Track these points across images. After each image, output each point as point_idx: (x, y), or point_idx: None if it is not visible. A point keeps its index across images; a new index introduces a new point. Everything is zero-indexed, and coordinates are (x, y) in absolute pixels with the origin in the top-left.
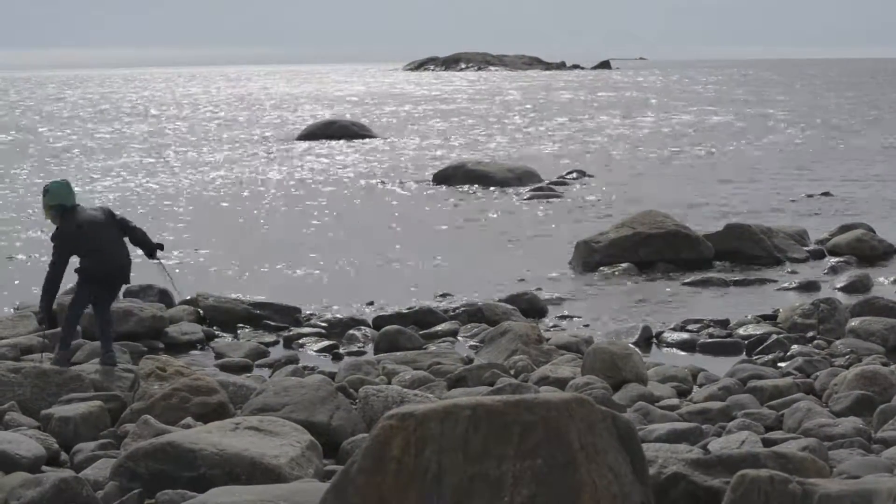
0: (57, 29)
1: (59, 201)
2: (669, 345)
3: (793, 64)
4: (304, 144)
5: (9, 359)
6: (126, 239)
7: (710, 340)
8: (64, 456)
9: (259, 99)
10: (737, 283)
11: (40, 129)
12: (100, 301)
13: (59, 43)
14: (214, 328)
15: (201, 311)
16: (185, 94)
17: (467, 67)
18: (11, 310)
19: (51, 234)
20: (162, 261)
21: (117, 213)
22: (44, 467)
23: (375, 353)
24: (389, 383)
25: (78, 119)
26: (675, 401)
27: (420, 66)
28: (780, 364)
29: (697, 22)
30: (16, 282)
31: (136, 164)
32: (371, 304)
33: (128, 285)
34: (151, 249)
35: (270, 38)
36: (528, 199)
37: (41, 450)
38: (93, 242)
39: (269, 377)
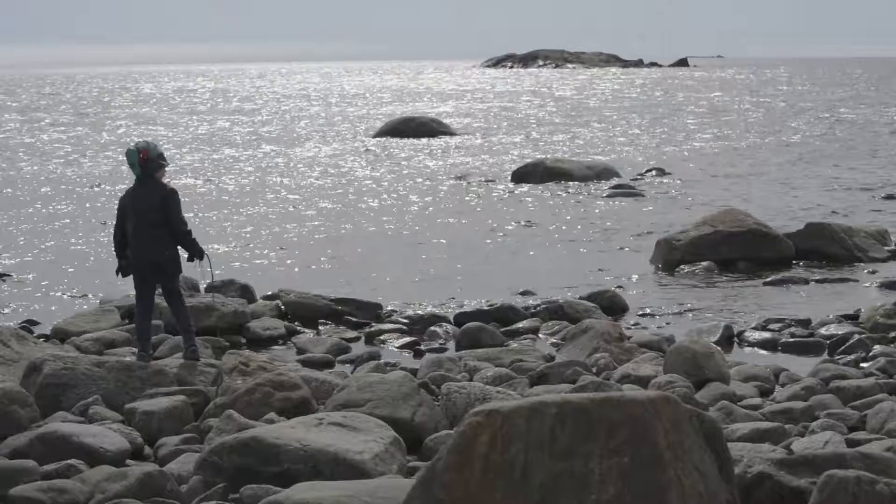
0: (117, 25)
1: (129, 161)
2: (751, 344)
3: (877, 62)
4: (383, 141)
5: (92, 353)
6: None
7: (791, 340)
8: (148, 450)
9: (341, 94)
10: (818, 283)
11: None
12: (151, 294)
13: (118, 39)
14: (296, 324)
15: (283, 307)
16: (283, 92)
17: (545, 65)
18: (92, 302)
19: None
20: (204, 266)
21: (173, 205)
22: (128, 461)
23: (457, 350)
24: (471, 380)
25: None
26: (758, 400)
27: (498, 63)
28: (862, 364)
29: (759, 20)
30: (97, 278)
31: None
32: (452, 300)
33: (170, 279)
34: (191, 254)
35: (341, 34)
36: (608, 196)
37: (125, 444)
38: (130, 224)
39: (351, 373)
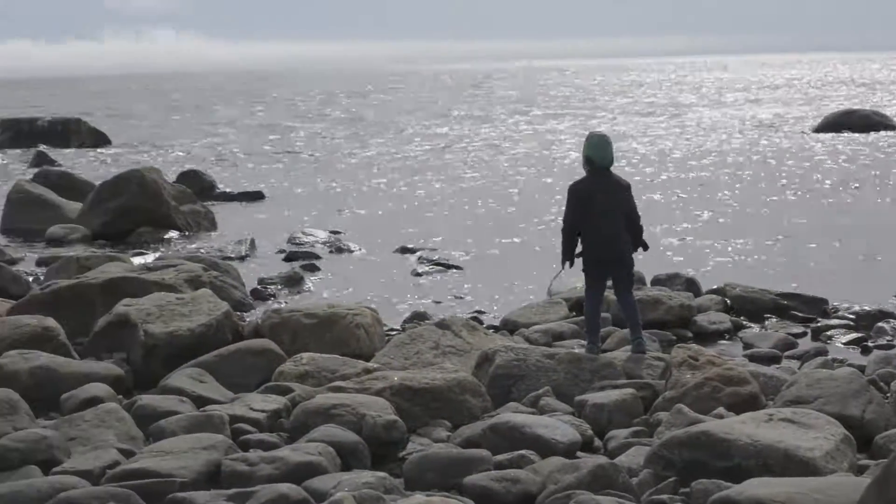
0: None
1: (588, 152)
2: None
3: None
4: (824, 136)
5: (541, 344)
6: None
7: None
8: (597, 442)
9: (767, 86)
10: None
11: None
12: (604, 287)
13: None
14: (742, 318)
15: (729, 301)
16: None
17: None
18: (540, 294)
19: (570, 184)
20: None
21: (632, 198)
22: (578, 453)
23: None
24: None
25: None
26: None
27: None
28: None
29: None
30: (545, 270)
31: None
32: None
33: (627, 273)
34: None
35: (772, 27)
36: None
37: (576, 435)
38: (592, 217)
39: (799, 368)
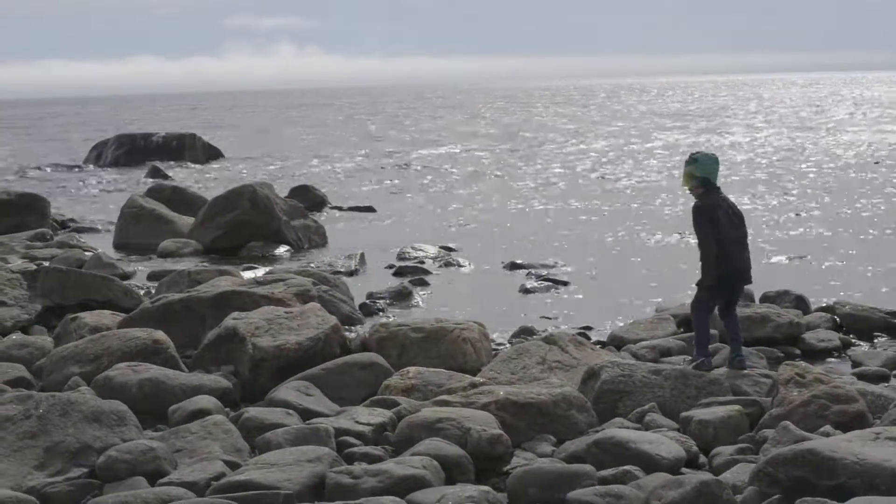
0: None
1: (705, 173)
2: None
3: None
4: None
5: (648, 360)
6: None
7: None
8: (702, 459)
9: None
10: None
11: None
12: (722, 303)
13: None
14: (851, 336)
15: (838, 319)
16: None
17: None
18: (648, 310)
19: (693, 205)
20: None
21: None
22: (683, 469)
23: None
24: None
25: None
26: None
27: None
28: None
29: None
30: (653, 284)
31: None
32: None
33: (750, 288)
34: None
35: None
36: None
37: (681, 451)
38: (720, 233)
39: None
